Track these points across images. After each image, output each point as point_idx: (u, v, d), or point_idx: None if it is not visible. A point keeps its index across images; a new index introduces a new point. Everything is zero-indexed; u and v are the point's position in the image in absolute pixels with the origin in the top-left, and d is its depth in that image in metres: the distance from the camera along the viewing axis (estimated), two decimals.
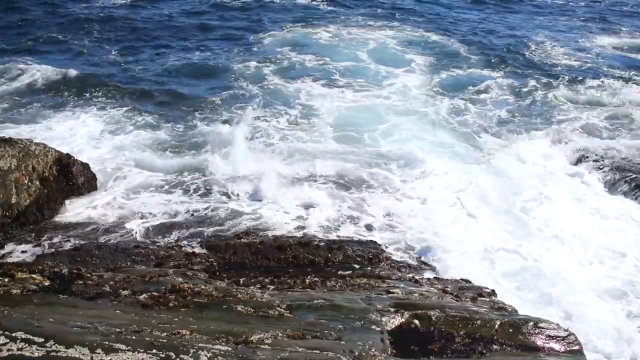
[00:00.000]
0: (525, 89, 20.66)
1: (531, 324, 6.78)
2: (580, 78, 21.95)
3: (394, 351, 5.97)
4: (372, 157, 14.62)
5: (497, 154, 15.52)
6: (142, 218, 10.65)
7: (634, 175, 14.02)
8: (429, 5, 33.80)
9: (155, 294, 6.26)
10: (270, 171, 13.07)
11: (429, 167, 14.17)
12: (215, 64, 21.24)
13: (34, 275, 6.41)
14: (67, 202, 10.99)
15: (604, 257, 10.98)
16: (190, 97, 18.01)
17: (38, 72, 18.80)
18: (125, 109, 16.52)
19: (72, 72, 18.94)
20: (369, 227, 11.21)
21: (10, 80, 18.26)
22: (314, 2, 32.48)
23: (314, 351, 4.85)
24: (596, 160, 15.06)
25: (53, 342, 3.93)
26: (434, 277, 9.16)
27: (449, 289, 8.43)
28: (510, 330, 6.63)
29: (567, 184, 14.07)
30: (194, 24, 26.79)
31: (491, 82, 21.12)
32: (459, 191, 13.17)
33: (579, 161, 15.24)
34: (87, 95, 17.53)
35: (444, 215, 12.10)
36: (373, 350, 5.54)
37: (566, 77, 21.96)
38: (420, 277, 9.03)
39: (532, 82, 21.27)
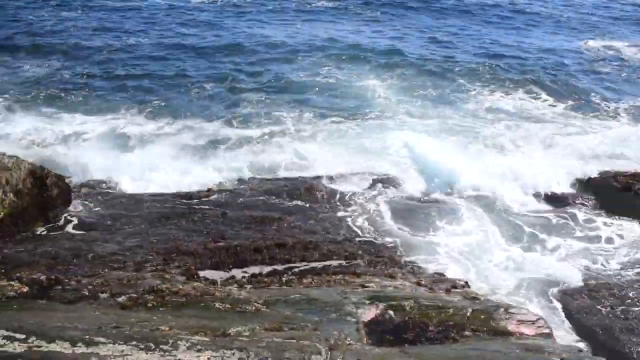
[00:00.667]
0: (516, 99, 20.88)
1: (502, 310, 7.01)
2: (566, 82, 22.47)
3: (370, 341, 6.14)
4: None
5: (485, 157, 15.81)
6: (119, 227, 10.69)
7: None
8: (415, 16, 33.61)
9: (134, 295, 6.37)
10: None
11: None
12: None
13: (12, 282, 6.48)
14: (42, 214, 10.99)
15: None
16: (167, 106, 18.26)
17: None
18: (94, 114, 16.92)
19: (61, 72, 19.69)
20: (345, 226, 11.36)
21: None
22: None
23: (291, 341, 4.99)
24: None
25: (35, 338, 4.04)
26: (408, 272, 9.35)
27: (423, 282, 8.64)
28: (482, 316, 6.85)
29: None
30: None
31: (475, 89, 21.43)
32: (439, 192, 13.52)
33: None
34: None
35: (419, 212, 12.34)
36: (348, 339, 5.71)
37: (552, 80, 22.44)
38: (395, 272, 9.22)
39: (521, 92, 21.53)
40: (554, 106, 20.23)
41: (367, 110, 18.67)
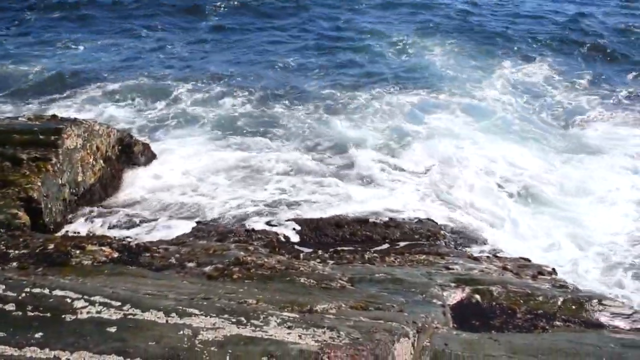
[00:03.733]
0: None
1: (595, 301, 6.70)
2: None
3: (455, 325, 5.99)
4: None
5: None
6: (202, 194, 10.88)
7: None
8: None
9: (220, 266, 6.42)
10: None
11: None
12: None
13: (103, 248, 6.64)
14: (129, 180, 11.30)
15: None
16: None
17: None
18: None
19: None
20: (425, 206, 11.18)
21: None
22: None
23: (378, 321, 4.90)
24: None
25: (130, 306, 4.09)
26: (493, 255, 9.11)
27: (509, 267, 8.38)
28: (574, 306, 6.57)
29: None
30: None
31: None
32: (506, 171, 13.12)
33: None
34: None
35: (498, 195, 12.04)
36: (435, 322, 5.57)
37: None
38: (479, 255, 8.99)
39: None
40: None
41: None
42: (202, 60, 20.24)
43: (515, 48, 22.82)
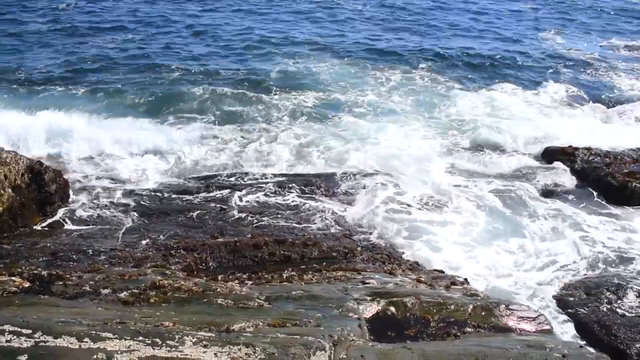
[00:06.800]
0: None
1: (503, 306, 7.05)
2: None
3: (372, 337, 6.16)
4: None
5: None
6: (117, 222, 10.71)
7: None
8: None
9: (136, 291, 6.37)
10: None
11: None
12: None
13: (13, 278, 6.47)
14: (40, 209, 10.99)
15: None
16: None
17: None
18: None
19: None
20: (343, 224, 11.36)
21: None
22: None
23: (295, 336, 5.00)
24: None
25: (41, 334, 4.04)
26: (408, 269, 9.37)
27: (423, 279, 8.66)
28: (483, 313, 6.89)
29: None
30: None
31: None
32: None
33: None
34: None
35: (414, 209, 12.32)
36: (351, 335, 5.72)
37: None
38: (394, 269, 9.24)
39: None
40: None
41: None
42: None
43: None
